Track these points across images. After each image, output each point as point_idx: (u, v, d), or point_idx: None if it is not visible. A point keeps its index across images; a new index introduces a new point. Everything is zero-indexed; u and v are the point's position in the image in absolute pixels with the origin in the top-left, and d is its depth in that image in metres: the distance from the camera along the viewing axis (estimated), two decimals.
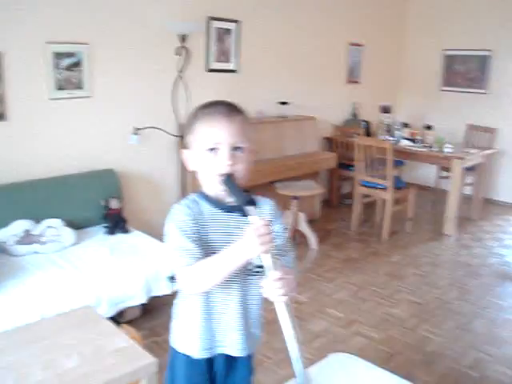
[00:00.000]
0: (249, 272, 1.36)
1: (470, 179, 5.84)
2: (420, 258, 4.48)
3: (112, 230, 3.50)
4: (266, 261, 1.18)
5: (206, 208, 1.34)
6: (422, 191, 6.55)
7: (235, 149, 1.30)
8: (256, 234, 1.15)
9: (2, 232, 3.12)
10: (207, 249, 1.29)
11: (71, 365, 1.70)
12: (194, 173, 3.59)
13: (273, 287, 1.17)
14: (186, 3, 4.10)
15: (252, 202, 1.23)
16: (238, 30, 4.60)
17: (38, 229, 3.20)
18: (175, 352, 1.48)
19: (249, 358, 1.48)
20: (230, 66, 4.67)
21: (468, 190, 5.91)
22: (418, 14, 6.88)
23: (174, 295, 3.15)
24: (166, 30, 3.85)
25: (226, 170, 1.28)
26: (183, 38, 3.82)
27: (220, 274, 1.23)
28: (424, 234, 5.13)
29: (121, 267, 3.04)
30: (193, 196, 1.38)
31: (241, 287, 1.37)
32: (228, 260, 1.21)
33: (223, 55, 4.57)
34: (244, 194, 1.25)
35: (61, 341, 1.85)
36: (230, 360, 1.45)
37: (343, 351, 2.25)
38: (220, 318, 1.38)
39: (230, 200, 1.34)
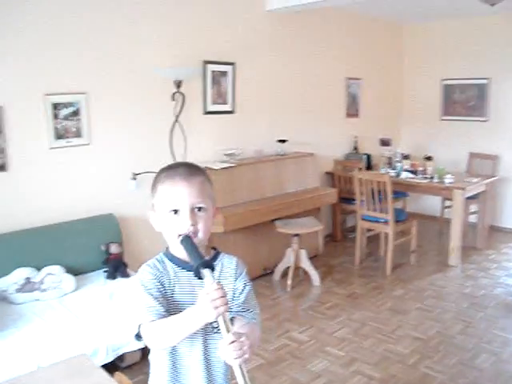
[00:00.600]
0: (211, 330, 1.39)
1: (473, 208, 5.83)
2: (424, 291, 4.44)
3: (112, 275, 3.54)
4: (220, 324, 1.20)
5: (171, 268, 1.39)
6: (428, 221, 6.55)
7: (196, 209, 1.35)
8: (208, 299, 1.17)
9: (2, 280, 3.18)
10: (172, 307, 1.33)
11: None
12: None
13: (226, 350, 1.19)
14: (181, 49, 4.23)
15: (208, 265, 1.24)
16: (233, 71, 4.72)
17: (38, 276, 3.25)
18: None
19: None
20: (227, 107, 4.77)
21: (473, 218, 5.89)
22: (414, 46, 7.00)
23: None
24: (162, 76, 3.97)
25: (187, 230, 1.32)
26: (179, 84, 3.93)
27: (179, 333, 1.26)
28: (428, 266, 5.10)
29: (120, 312, 3.07)
30: (160, 255, 1.43)
31: (203, 345, 1.39)
32: (186, 322, 1.24)
33: (220, 97, 4.68)
34: (200, 256, 1.28)
35: None
36: None
37: None
38: (185, 372, 1.41)
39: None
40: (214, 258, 1.45)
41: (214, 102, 4.63)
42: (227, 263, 1.44)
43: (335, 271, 4.99)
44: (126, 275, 3.57)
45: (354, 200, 5.52)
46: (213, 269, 1.25)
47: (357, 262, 5.15)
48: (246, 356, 1.19)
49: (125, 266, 3.63)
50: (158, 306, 1.30)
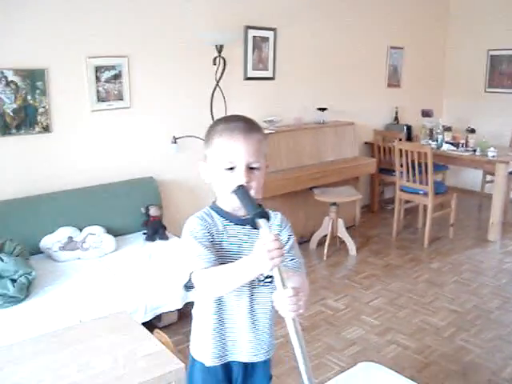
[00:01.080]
0: (258, 283, 1.39)
1: None
2: (461, 265, 4.37)
3: (151, 237, 3.61)
4: (276, 276, 1.19)
5: (219, 221, 1.38)
6: (468, 196, 6.39)
7: (251, 168, 1.33)
8: (265, 249, 1.14)
9: (47, 238, 3.28)
10: (220, 260, 1.33)
11: (104, 367, 1.79)
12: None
13: (281, 303, 1.19)
14: (222, 13, 4.19)
15: (264, 216, 1.22)
16: (274, 37, 4.65)
17: (80, 236, 3.34)
18: (193, 360, 1.53)
19: (265, 363, 1.52)
20: (268, 74, 4.72)
21: None
22: (460, 14, 6.71)
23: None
24: (203, 40, 3.94)
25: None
26: (220, 48, 3.90)
27: (232, 282, 1.26)
28: (467, 240, 5.00)
29: (158, 273, 3.13)
30: (207, 209, 1.42)
31: (250, 296, 1.40)
32: (240, 270, 1.23)
33: (261, 63, 4.63)
34: (256, 206, 1.26)
35: (96, 344, 1.95)
36: (246, 366, 1.48)
37: (377, 360, 2.25)
38: (231, 326, 1.42)
39: (243, 214, 1.38)
40: None
41: (255, 68, 4.58)
42: (272, 217, 1.42)
43: (372, 242, 4.95)
44: (165, 237, 3.63)
45: (393, 171, 5.42)
46: (268, 219, 1.24)
47: (394, 233, 5.10)
48: (301, 311, 1.19)
49: (164, 228, 3.68)
50: (210, 254, 1.31)
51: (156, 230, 3.66)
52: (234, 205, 1.35)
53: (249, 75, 4.54)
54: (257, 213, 1.22)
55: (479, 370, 2.87)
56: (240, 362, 1.47)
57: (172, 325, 3.24)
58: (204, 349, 1.46)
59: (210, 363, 1.45)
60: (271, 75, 4.75)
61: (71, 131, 3.55)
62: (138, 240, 3.61)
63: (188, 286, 1.37)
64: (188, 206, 4.18)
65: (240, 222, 1.39)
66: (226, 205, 1.39)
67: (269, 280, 1.40)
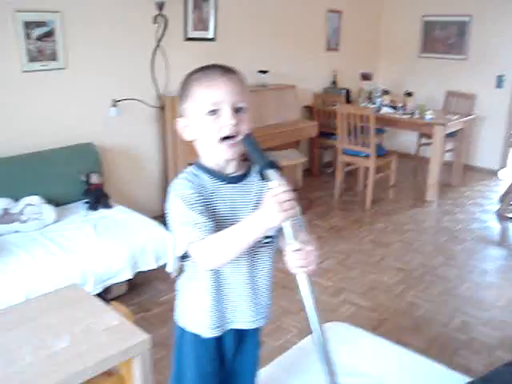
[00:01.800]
0: (257, 243, 1.30)
1: (449, 146, 5.86)
2: (403, 225, 4.51)
3: (94, 206, 3.42)
4: (287, 230, 1.12)
5: (207, 181, 1.27)
6: (402, 159, 6.56)
7: (237, 110, 1.22)
8: (277, 201, 1.07)
9: None
10: (215, 221, 1.22)
11: (62, 345, 1.65)
12: (174, 144, 3.48)
13: (291, 258, 1.12)
14: None
15: (273, 165, 1.13)
16: None
17: (17, 207, 3.10)
18: (181, 331, 1.42)
19: (256, 331, 1.45)
20: (208, 35, 4.53)
21: (447, 157, 5.93)
22: None
23: (159, 270, 3.14)
24: None
25: (228, 130, 1.20)
26: (161, 6, 3.67)
27: (238, 247, 1.16)
28: (406, 201, 5.16)
29: (105, 243, 2.97)
30: (190, 169, 1.30)
31: (249, 259, 1.32)
32: (246, 230, 1.13)
33: (201, 23, 4.43)
34: (265, 155, 1.17)
35: (49, 321, 1.80)
36: (238, 335, 1.41)
37: (333, 320, 2.24)
38: (229, 292, 1.34)
39: (230, 171, 1.28)
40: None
41: (195, 29, 4.38)
42: None
43: (315, 205, 4.98)
44: (108, 206, 3.45)
45: (332, 135, 5.47)
46: (279, 169, 1.14)
47: (336, 195, 5.16)
48: (312, 267, 1.13)
49: (106, 196, 3.49)
50: (207, 221, 1.19)
51: (98, 198, 3.46)
52: (223, 157, 1.24)
53: (189, 36, 4.34)
54: (267, 163, 1.13)
55: (430, 324, 2.97)
56: (232, 330, 1.39)
57: (122, 296, 3.12)
58: (201, 320, 1.35)
59: (208, 334, 1.35)
60: (212, 36, 4.57)
61: (0, 94, 3.23)
62: (79, 209, 3.40)
63: (183, 256, 1.25)
64: (130, 173, 4.01)
65: (232, 180, 1.28)
66: (210, 161, 1.28)
67: (268, 240, 1.32)
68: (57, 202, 3.32)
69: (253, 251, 1.31)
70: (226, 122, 1.20)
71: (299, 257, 1.12)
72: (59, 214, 3.23)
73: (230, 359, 1.44)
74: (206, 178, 1.27)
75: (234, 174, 1.29)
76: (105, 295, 2.99)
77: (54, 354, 1.61)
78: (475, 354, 2.69)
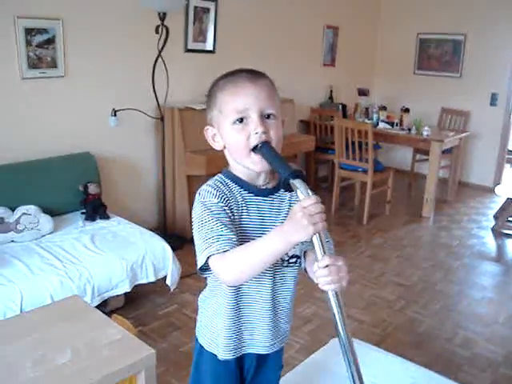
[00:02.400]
0: (281, 263, 1.25)
1: (443, 162, 5.87)
2: (401, 240, 4.48)
3: (91, 216, 3.36)
4: (316, 244, 1.04)
5: (236, 191, 1.20)
6: (398, 175, 6.57)
7: (266, 116, 1.15)
8: (306, 213, 0.99)
9: None
10: (240, 236, 1.16)
11: (64, 360, 1.58)
12: (173, 156, 3.40)
13: (322, 274, 1.04)
14: None
15: (299, 175, 1.05)
16: (216, 8, 4.45)
17: (12, 216, 3.03)
18: (201, 348, 1.36)
19: (278, 353, 1.39)
20: (208, 47, 4.52)
21: (441, 174, 5.94)
22: None
23: (158, 283, 3.07)
24: (144, 6, 3.67)
25: (258, 138, 1.13)
26: (163, 16, 3.65)
27: (261, 260, 1.07)
28: (403, 217, 5.14)
29: (104, 255, 2.91)
30: (220, 176, 1.23)
31: (271, 280, 1.25)
32: (272, 244, 1.05)
33: (201, 35, 4.42)
34: (287, 164, 1.09)
35: (50, 334, 1.72)
36: (260, 356, 1.34)
37: (334, 335, 2.19)
38: (248, 313, 1.27)
39: (261, 183, 1.22)
40: None
41: (195, 40, 4.37)
42: None
43: None
44: (105, 217, 3.39)
45: (328, 149, 5.48)
46: (304, 179, 1.06)
47: (333, 210, 5.13)
48: (344, 284, 1.05)
49: (104, 207, 3.44)
50: (230, 234, 1.11)
51: (96, 208, 3.40)
52: (253, 169, 1.17)
53: (189, 47, 4.32)
54: (291, 172, 1.04)
55: (433, 340, 2.93)
56: (254, 354, 1.33)
57: (119, 309, 3.05)
58: (217, 341, 1.29)
59: (222, 356, 1.29)
60: (211, 48, 4.56)
61: None
62: (76, 220, 3.34)
63: (203, 269, 1.18)
64: (128, 184, 3.96)
65: (262, 192, 1.21)
66: (241, 172, 1.21)
67: (293, 260, 1.26)
68: (53, 211, 3.25)
69: (277, 270, 1.25)
70: (254, 130, 1.13)
71: (330, 272, 1.04)
72: (56, 224, 3.17)
73: (249, 381, 1.37)
74: (234, 188, 1.20)
75: (264, 187, 1.22)
76: (101, 308, 2.92)
77: (55, 369, 1.53)
78: (480, 370, 2.65)
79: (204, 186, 1.20)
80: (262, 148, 1.13)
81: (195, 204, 1.19)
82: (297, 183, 1.04)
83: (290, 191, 1.09)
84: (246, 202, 1.20)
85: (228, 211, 1.15)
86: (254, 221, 1.19)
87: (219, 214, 1.14)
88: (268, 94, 1.17)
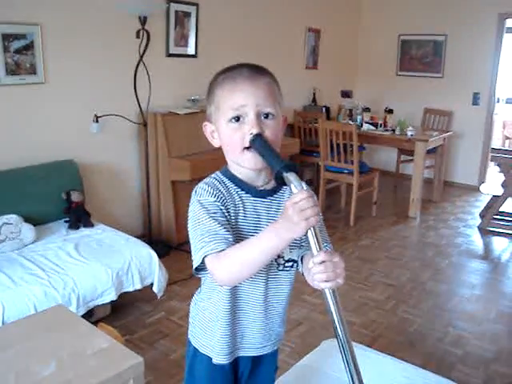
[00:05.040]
0: (277, 267, 1.21)
1: (428, 162, 5.90)
2: (389, 241, 4.47)
3: (75, 225, 3.29)
4: (310, 239, 1.00)
5: (233, 190, 1.16)
6: (383, 176, 6.59)
7: (264, 116, 1.11)
8: (298, 208, 0.94)
9: None
10: (235, 237, 1.12)
11: (48, 371, 1.53)
12: (157, 161, 3.33)
13: (317, 271, 1.00)
14: None
15: (292, 168, 1.01)
16: (197, 13, 4.42)
17: None
18: (194, 351, 1.32)
19: (273, 355, 1.36)
20: (190, 51, 4.49)
21: (426, 173, 5.97)
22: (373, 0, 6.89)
23: (144, 291, 3.02)
24: (125, 10, 3.63)
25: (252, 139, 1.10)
26: (144, 20, 3.60)
27: (256, 260, 1.04)
28: (389, 218, 5.14)
29: (88, 263, 2.84)
30: (218, 174, 1.19)
31: (265, 283, 1.21)
32: (265, 242, 1.01)
33: (183, 39, 4.39)
34: (280, 157, 1.05)
35: (33, 345, 1.67)
36: (254, 358, 1.31)
37: (328, 338, 2.17)
38: (242, 317, 1.24)
39: (260, 184, 1.18)
40: None
41: (177, 45, 4.33)
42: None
43: None
44: (89, 225, 3.33)
45: (313, 152, 5.46)
46: (297, 172, 1.01)
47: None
48: (340, 281, 1.01)
49: (88, 214, 3.37)
50: (226, 234, 1.08)
51: (79, 216, 3.34)
52: (247, 164, 1.13)
53: (171, 52, 4.28)
54: (284, 165, 1.00)
55: (424, 339, 2.92)
56: (248, 356, 1.30)
57: (105, 318, 2.98)
58: (211, 345, 1.26)
59: (217, 360, 1.25)
60: (193, 53, 4.52)
61: None
62: (59, 228, 3.27)
63: (199, 269, 1.14)
64: (112, 191, 3.90)
65: (260, 194, 1.17)
66: (239, 171, 1.17)
67: (290, 264, 1.23)
68: (36, 220, 3.18)
69: (271, 274, 1.21)
70: (249, 131, 1.09)
71: (326, 269, 0.99)
72: (38, 234, 3.10)
73: (244, 382, 1.34)
74: (231, 187, 1.17)
75: (263, 187, 1.19)
76: (87, 318, 2.85)
77: (39, 381, 1.49)
78: (473, 368, 2.64)
79: (201, 184, 1.17)
80: (255, 140, 1.09)
81: (191, 202, 1.15)
82: (290, 176, 1.00)
83: (284, 185, 1.04)
84: (243, 203, 1.16)
85: (224, 211, 1.12)
86: (249, 222, 1.16)
87: (215, 213, 1.11)
88: (268, 93, 1.13)
